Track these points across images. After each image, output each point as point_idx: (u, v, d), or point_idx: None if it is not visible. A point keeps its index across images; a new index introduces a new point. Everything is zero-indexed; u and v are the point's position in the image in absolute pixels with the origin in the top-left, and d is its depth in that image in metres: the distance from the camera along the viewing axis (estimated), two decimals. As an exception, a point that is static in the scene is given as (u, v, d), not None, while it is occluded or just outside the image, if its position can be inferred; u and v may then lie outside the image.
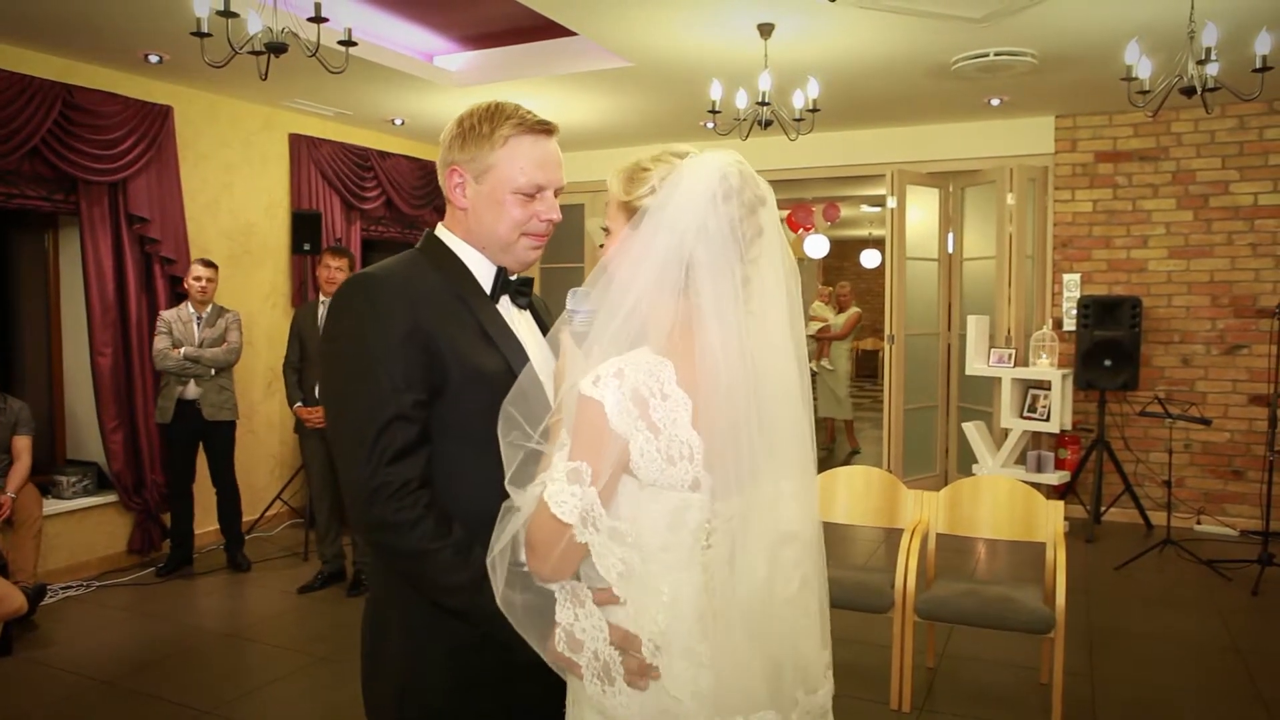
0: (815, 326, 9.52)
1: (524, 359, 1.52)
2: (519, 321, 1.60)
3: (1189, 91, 3.98)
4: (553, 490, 1.28)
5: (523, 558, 1.34)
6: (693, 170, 1.34)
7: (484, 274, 1.58)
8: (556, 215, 1.56)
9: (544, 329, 1.66)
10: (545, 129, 1.53)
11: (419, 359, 1.43)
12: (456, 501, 1.46)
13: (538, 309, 1.69)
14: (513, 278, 1.60)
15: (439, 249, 1.59)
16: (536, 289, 1.72)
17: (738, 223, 1.33)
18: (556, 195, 1.57)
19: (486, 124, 1.51)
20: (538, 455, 1.37)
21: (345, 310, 1.47)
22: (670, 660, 1.33)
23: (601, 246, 1.46)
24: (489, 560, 1.35)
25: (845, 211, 12.54)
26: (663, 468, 1.30)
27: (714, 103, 4.90)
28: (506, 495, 1.40)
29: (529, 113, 1.53)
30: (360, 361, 1.43)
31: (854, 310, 9.66)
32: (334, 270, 5.04)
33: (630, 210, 1.37)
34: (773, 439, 1.37)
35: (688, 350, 1.32)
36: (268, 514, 6.20)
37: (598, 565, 1.31)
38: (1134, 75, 4.12)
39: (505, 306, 1.59)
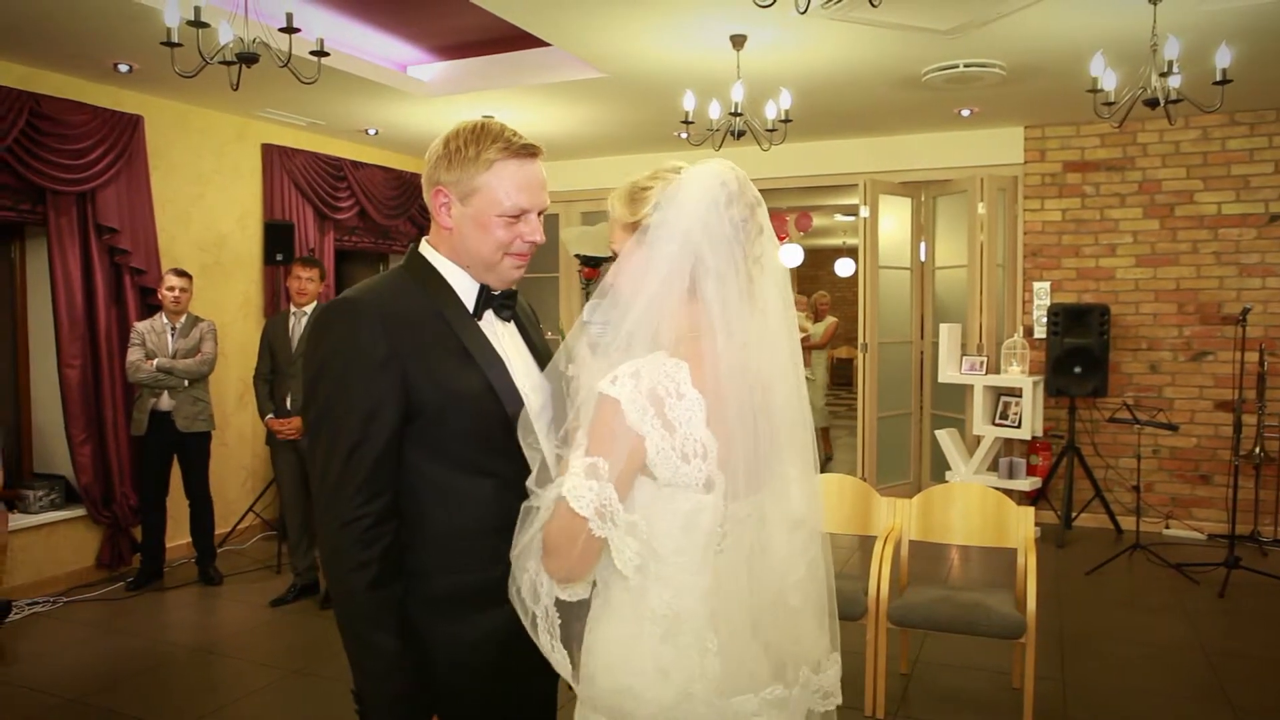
0: None
1: (505, 375, 1.56)
2: (503, 334, 1.63)
3: (1152, 103, 4.06)
4: (570, 485, 1.32)
5: (555, 589, 1.41)
6: (693, 180, 1.40)
7: (467, 291, 1.60)
8: (540, 237, 1.59)
9: (528, 338, 1.69)
10: (530, 152, 1.56)
11: (395, 385, 1.46)
12: (437, 522, 1.51)
13: (522, 319, 1.71)
14: (496, 292, 1.62)
15: (423, 266, 1.61)
16: None
17: (740, 224, 1.40)
18: (540, 216, 1.60)
19: (472, 146, 1.53)
20: (557, 459, 1.44)
21: (324, 335, 1.51)
22: (678, 653, 1.38)
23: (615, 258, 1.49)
24: (512, 555, 1.42)
25: (819, 221, 12.63)
26: (678, 465, 1.35)
27: (687, 113, 4.93)
28: (489, 511, 1.49)
29: (515, 135, 1.55)
30: (336, 388, 1.47)
31: (831, 319, 9.71)
32: (304, 281, 5.01)
33: (636, 229, 1.42)
34: (779, 429, 1.44)
35: (700, 352, 1.38)
36: (240, 527, 6.13)
37: (615, 559, 1.35)
38: (1099, 87, 4.19)
39: (490, 321, 1.61)
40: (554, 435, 1.56)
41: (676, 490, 1.37)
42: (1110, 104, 4.28)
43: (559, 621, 1.43)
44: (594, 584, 1.46)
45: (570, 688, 1.51)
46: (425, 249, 1.63)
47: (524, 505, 1.42)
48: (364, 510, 1.44)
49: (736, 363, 1.38)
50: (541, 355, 1.69)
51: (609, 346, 1.40)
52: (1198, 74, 4.42)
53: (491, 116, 6.51)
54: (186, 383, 5.15)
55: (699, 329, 1.38)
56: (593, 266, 7.16)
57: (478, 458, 1.52)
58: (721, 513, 1.39)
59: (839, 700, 1.53)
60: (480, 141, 1.53)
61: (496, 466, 1.53)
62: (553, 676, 1.65)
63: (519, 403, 1.55)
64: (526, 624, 1.42)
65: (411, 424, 1.49)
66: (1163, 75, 3.93)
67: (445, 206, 1.56)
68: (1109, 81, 4.23)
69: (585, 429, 1.37)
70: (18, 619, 4.69)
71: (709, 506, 1.38)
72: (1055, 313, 6.22)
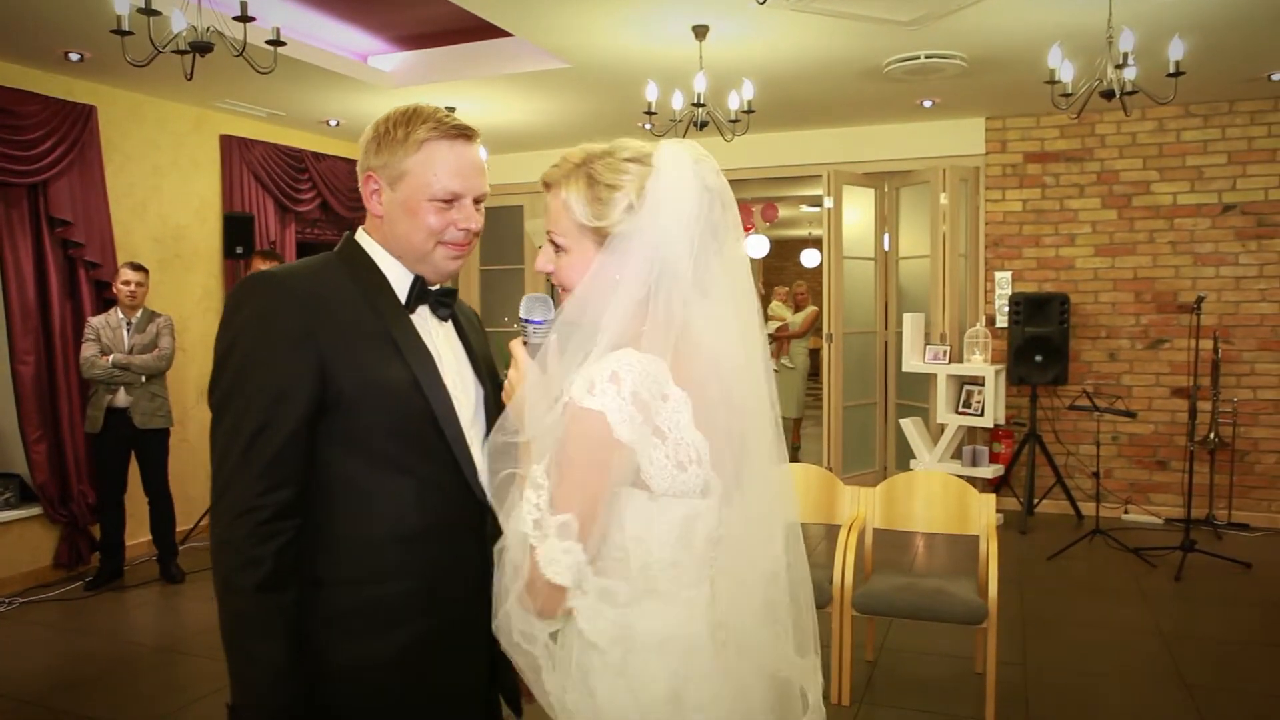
0: (774, 325, 9.55)
1: (434, 372, 1.46)
2: (436, 333, 1.53)
3: (1109, 95, 4.12)
4: (545, 549, 1.21)
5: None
6: (673, 185, 1.29)
7: (400, 282, 1.50)
8: (475, 224, 1.49)
9: (466, 341, 1.59)
10: (464, 133, 1.46)
11: (309, 368, 1.36)
12: (351, 526, 1.40)
13: (462, 321, 1.61)
14: (434, 287, 1.54)
15: (356, 254, 1.52)
16: (475, 292, 1.69)
17: (716, 224, 1.32)
18: (478, 204, 1.49)
19: (401, 128, 1.44)
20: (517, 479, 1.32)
21: (237, 309, 1.41)
22: (687, 689, 1.28)
23: (556, 247, 1.37)
24: (494, 597, 1.33)
25: (784, 212, 12.68)
26: (674, 475, 1.25)
27: (650, 104, 4.92)
28: (408, 515, 1.40)
29: (447, 116, 1.46)
30: (244, 365, 1.37)
31: (811, 309, 9.72)
32: (266, 274, 4.92)
33: (600, 234, 1.31)
34: (751, 425, 1.35)
35: (673, 348, 1.27)
36: (202, 524, 6.04)
37: (586, 630, 1.25)
38: (1057, 78, 4.24)
39: (424, 317, 1.52)
40: (487, 444, 1.46)
41: (668, 500, 1.27)
42: (1068, 95, 4.33)
43: (560, 654, 1.32)
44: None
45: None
46: (361, 237, 1.54)
47: (496, 547, 1.33)
48: (263, 501, 1.32)
49: (717, 357, 1.30)
50: (479, 359, 1.59)
51: (565, 348, 1.30)
52: (1152, 66, 4.49)
53: (454, 108, 6.47)
54: (144, 379, 5.06)
55: (669, 323, 1.28)
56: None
57: (399, 454, 1.41)
58: (718, 517, 1.31)
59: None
60: (410, 123, 1.44)
61: (418, 465, 1.42)
62: (483, 705, 1.55)
63: (446, 401, 1.45)
64: (527, 672, 1.30)
65: (327, 415, 1.37)
66: (1118, 67, 3.99)
67: (376, 193, 1.48)
68: (1066, 73, 4.29)
69: (557, 449, 1.24)
70: (-28, 621, 4.60)
71: (704, 512, 1.30)
72: (1016, 302, 6.30)
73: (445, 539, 1.44)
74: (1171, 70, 3.94)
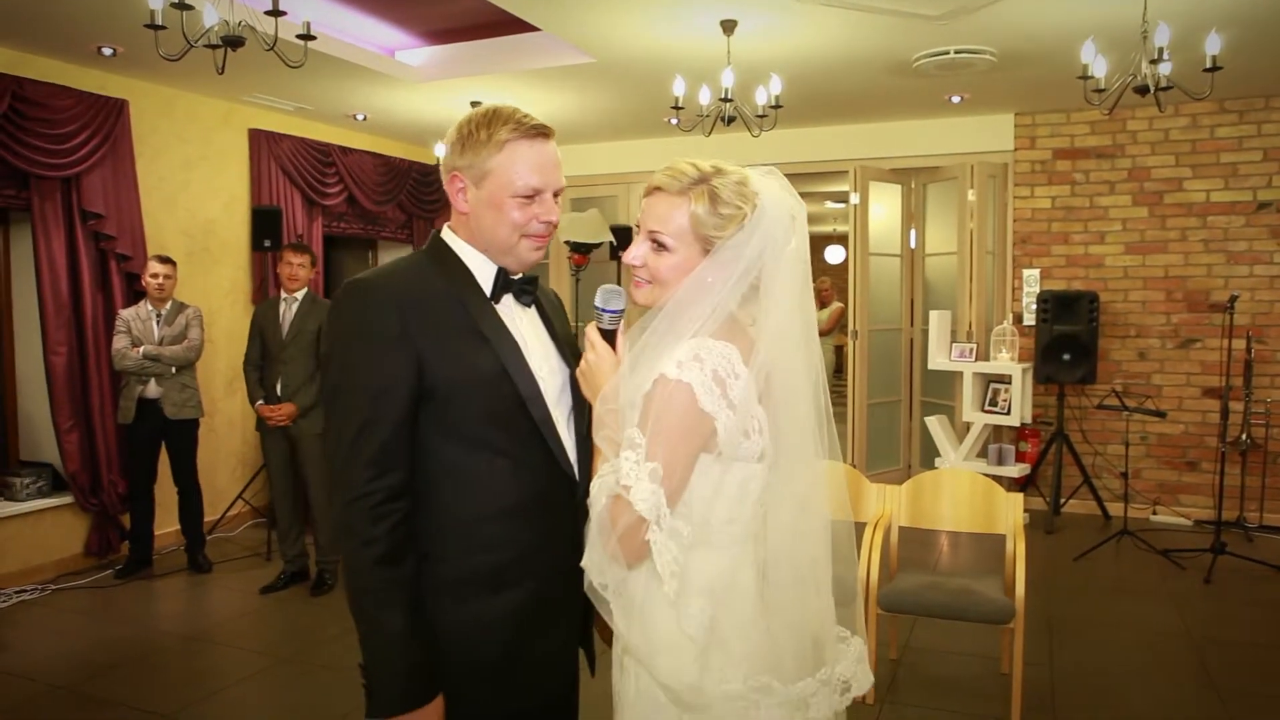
0: None
1: (520, 358, 1.57)
2: (521, 319, 1.64)
3: (1142, 90, 4.06)
4: (638, 489, 1.39)
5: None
6: (774, 207, 1.52)
7: (484, 274, 1.61)
8: (555, 217, 1.60)
9: (549, 324, 1.70)
10: (542, 132, 1.57)
11: (407, 364, 1.49)
12: (451, 504, 1.54)
13: (545, 305, 1.72)
14: (516, 276, 1.64)
15: (442, 251, 1.63)
16: None
17: (789, 249, 1.54)
18: (556, 197, 1.61)
19: (484, 129, 1.54)
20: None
21: (337, 316, 1.55)
22: (725, 635, 1.47)
23: (657, 246, 1.53)
24: (589, 555, 1.47)
25: (810, 207, 12.60)
26: (740, 442, 1.46)
27: (677, 99, 4.91)
28: (505, 492, 1.55)
29: (526, 116, 1.56)
30: (347, 366, 1.51)
31: (836, 305, 9.67)
32: (295, 267, 4.97)
33: (709, 242, 1.50)
34: (803, 415, 1.53)
35: (740, 334, 1.49)
36: (229, 514, 6.11)
37: (656, 561, 1.41)
38: (1090, 74, 4.19)
39: (509, 305, 1.63)
40: (574, 422, 1.65)
41: (733, 464, 1.47)
42: (1100, 91, 4.27)
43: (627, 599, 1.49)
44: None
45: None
46: (446, 234, 1.65)
47: (590, 498, 1.48)
48: (372, 486, 1.46)
49: (779, 349, 1.50)
50: (562, 342, 1.70)
51: (662, 333, 1.49)
52: (1187, 61, 4.42)
53: (479, 102, 6.48)
54: (174, 369, 5.12)
55: (743, 324, 1.51)
56: (582, 253, 7.13)
57: (492, 437, 1.54)
58: (765, 480, 1.51)
59: (871, 681, 1.61)
60: (491, 124, 1.55)
61: (511, 447, 1.55)
62: (574, 661, 1.72)
63: (534, 386, 1.57)
64: (601, 610, 1.48)
65: (425, 405, 1.51)
66: (1153, 62, 3.93)
67: (461, 191, 1.58)
68: (1099, 68, 4.23)
69: (647, 416, 1.43)
70: (5, 607, 4.68)
71: (758, 474, 1.50)
72: (1044, 300, 6.23)
73: (538, 513, 1.59)
74: (1208, 65, 3.87)
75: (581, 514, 1.58)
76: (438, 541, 1.54)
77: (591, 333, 1.58)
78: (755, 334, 1.50)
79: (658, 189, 1.53)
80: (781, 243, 1.51)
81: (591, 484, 1.50)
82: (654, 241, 1.53)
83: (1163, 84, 4.02)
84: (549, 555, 1.60)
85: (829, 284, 10.11)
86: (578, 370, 1.60)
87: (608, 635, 1.62)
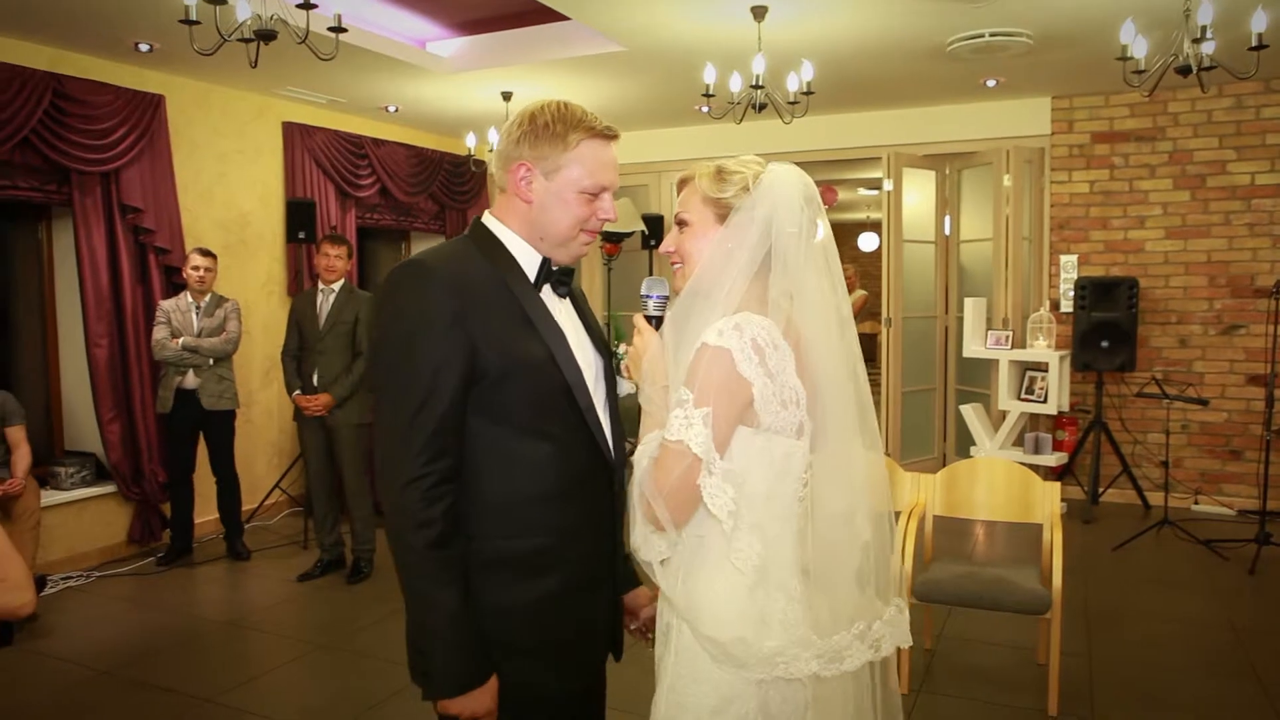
0: None
1: (565, 346, 1.61)
2: (559, 309, 1.67)
3: (1185, 71, 3.97)
4: (693, 434, 1.44)
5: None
6: (781, 176, 1.58)
7: (529, 263, 1.64)
8: (613, 215, 1.66)
9: (582, 314, 1.74)
10: (613, 135, 1.65)
11: (463, 346, 1.50)
12: (493, 487, 1.56)
13: (576, 296, 1.76)
14: (554, 268, 1.67)
15: (487, 237, 1.65)
16: None
17: (809, 223, 1.58)
18: (612, 197, 1.68)
19: (560, 125, 1.59)
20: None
21: (393, 296, 1.55)
22: (767, 592, 1.51)
23: (680, 226, 1.65)
24: (634, 521, 1.53)
25: (842, 195, 12.52)
26: (777, 411, 1.50)
27: (708, 86, 4.88)
28: (548, 477, 1.58)
29: (597, 118, 1.63)
30: (406, 346, 1.51)
31: (861, 293, 9.59)
32: (332, 258, 5.02)
33: (720, 206, 1.59)
34: (839, 397, 1.57)
35: (777, 314, 1.54)
36: (267, 503, 6.20)
37: (710, 504, 1.46)
38: (1129, 55, 4.10)
39: (546, 295, 1.66)
40: (608, 411, 1.69)
41: (772, 437, 1.51)
42: (1140, 72, 4.18)
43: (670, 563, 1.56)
44: (676, 543, 1.57)
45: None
46: (490, 221, 1.67)
47: (635, 457, 1.54)
48: (428, 469, 1.48)
49: (813, 328, 1.55)
50: (593, 331, 1.75)
51: (697, 312, 1.55)
52: (1232, 39, 4.31)
53: (510, 93, 6.47)
54: (211, 361, 5.19)
55: (777, 299, 1.55)
56: (613, 242, 7.14)
57: (538, 422, 1.57)
58: (807, 458, 1.55)
59: (910, 640, 1.65)
60: (568, 121, 1.59)
61: (555, 432, 1.58)
62: (606, 646, 1.75)
63: (578, 372, 1.61)
64: (647, 571, 1.57)
65: (474, 387, 1.53)
66: (1195, 41, 3.84)
67: (526, 181, 1.61)
68: (1140, 49, 4.14)
69: (690, 380, 1.47)
70: (52, 593, 4.78)
71: (799, 451, 1.54)
72: (1083, 286, 6.13)
73: (579, 497, 1.62)
74: (1254, 43, 3.77)
75: (619, 501, 1.65)
76: (478, 523, 1.56)
77: (638, 319, 1.66)
78: (791, 312, 1.55)
79: (683, 180, 1.66)
80: (791, 207, 1.56)
81: (635, 452, 1.56)
82: (678, 224, 1.65)
83: (1206, 64, 3.92)
84: (586, 541, 1.64)
85: (853, 271, 10.03)
86: (627, 353, 1.66)
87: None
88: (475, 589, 1.54)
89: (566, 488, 1.59)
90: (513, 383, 1.54)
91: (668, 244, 1.67)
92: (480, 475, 1.55)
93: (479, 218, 1.69)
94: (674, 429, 1.46)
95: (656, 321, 1.67)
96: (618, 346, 1.76)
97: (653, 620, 1.76)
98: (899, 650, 3.52)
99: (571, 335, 1.65)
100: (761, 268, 1.56)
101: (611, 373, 1.74)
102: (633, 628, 1.85)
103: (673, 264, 1.67)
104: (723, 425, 1.47)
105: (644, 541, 1.54)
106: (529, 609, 1.58)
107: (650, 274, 1.69)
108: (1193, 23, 3.82)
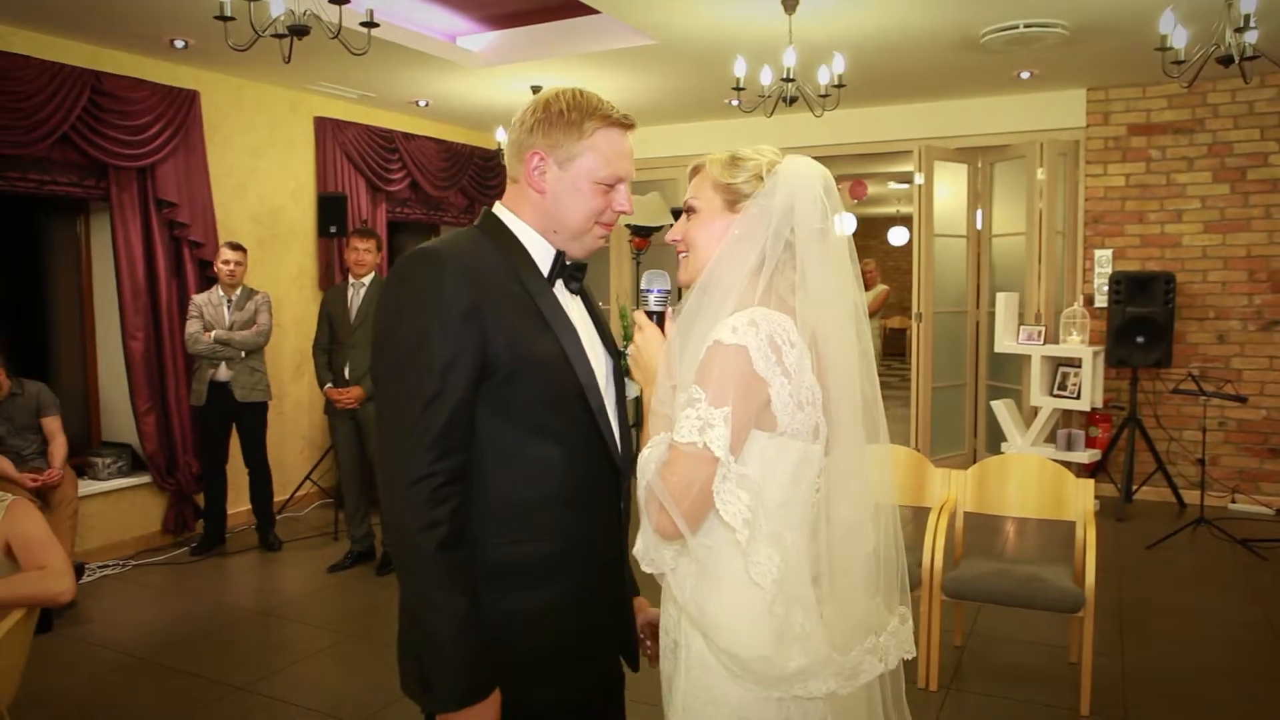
0: None
1: (578, 343, 1.54)
2: (570, 305, 1.60)
3: (1226, 61, 3.89)
4: (714, 434, 1.36)
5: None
6: (798, 166, 1.52)
7: (542, 257, 1.57)
8: (629, 207, 1.60)
9: (592, 311, 1.67)
10: (630, 125, 1.58)
11: (475, 339, 1.42)
12: (501, 488, 1.48)
13: (587, 292, 1.69)
14: (568, 262, 1.60)
15: (499, 228, 1.58)
16: None
17: (825, 215, 1.51)
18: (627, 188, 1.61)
19: (575, 112, 1.52)
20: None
21: (404, 284, 1.46)
22: (785, 606, 1.44)
23: (688, 212, 1.59)
24: (640, 533, 1.46)
25: (872, 189, 12.41)
26: (793, 413, 1.43)
27: (738, 80, 4.85)
28: (556, 479, 1.50)
29: (613, 107, 1.57)
30: (416, 336, 1.42)
31: (881, 287, 9.54)
32: (361, 252, 5.06)
33: (730, 192, 1.52)
34: (853, 398, 1.51)
35: (790, 311, 1.47)
36: (298, 494, 6.27)
37: (723, 511, 1.38)
38: (1169, 45, 4.03)
39: (559, 291, 1.59)
40: (618, 413, 1.61)
41: (788, 441, 1.44)
42: (1180, 63, 4.11)
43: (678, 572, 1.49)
44: (681, 552, 1.49)
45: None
46: (502, 212, 1.59)
47: (640, 458, 1.46)
48: (435, 468, 1.39)
49: (828, 324, 1.49)
50: (604, 330, 1.68)
51: (705, 308, 1.47)
52: (1275, 28, 4.22)
53: (539, 87, 6.49)
54: (243, 354, 5.25)
55: (788, 293, 1.49)
56: (643, 236, 7.13)
57: (549, 423, 1.50)
58: (821, 461, 1.48)
59: (914, 651, 1.58)
60: (583, 109, 1.53)
61: (565, 432, 1.51)
62: (618, 656, 1.68)
63: (590, 371, 1.53)
64: (659, 578, 1.49)
65: (484, 383, 1.45)
66: (1238, 30, 3.76)
67: (540, 170, 1.54)
68: (1179, 39, 4.06)
69: (703, 379, 1.40)
70: (89, 581, 4.87)
71: (815, 456, 1.47)
72: (1117, 281, 6.04)
73: (589, 502, 1.55)
74: (1297, 33, 3.69)
75: (627, 507, 1.57)
76: (486, 527, 1.48)
77: (639, 316, 1.58)
78: (800, 307, 1.48)
79: (696, 168, 1.60)
80: (812, 198, 1.49)
81: (640, 455, 1.47)
82: (686, 211, 1.58)
83: (1248, 53, 3.84)
84: (596, 546, 1.57)
85: (873, 266, 9.97)
86: (629, 353, 1.59)
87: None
88: (481, 597, 1.45)
89: (576, 492, 1.51)
90: (523, 380, 1.46)
91: (675, 232, 1.59)
92: (486, 477, 1.47)
93: (489, 208, 1.62)
94: (685, 430, 1.38)
95: (658, 317, 1.59)
96: (627, 347, 1.64)
97: (650, 628, 1.71)
98: (925, 648, 3.49)
99: (583, 333, 1.58)
100: (775, 261, 1.49)
101: (621, 374, 1.67)
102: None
103: (679, 253, 1.60)
104: (738, 427, 1.39)
105: (650, 551, 1.46)
106: (538, 617, 1.50)
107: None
108: (1235, 11, 3.74)
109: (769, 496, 1.44)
